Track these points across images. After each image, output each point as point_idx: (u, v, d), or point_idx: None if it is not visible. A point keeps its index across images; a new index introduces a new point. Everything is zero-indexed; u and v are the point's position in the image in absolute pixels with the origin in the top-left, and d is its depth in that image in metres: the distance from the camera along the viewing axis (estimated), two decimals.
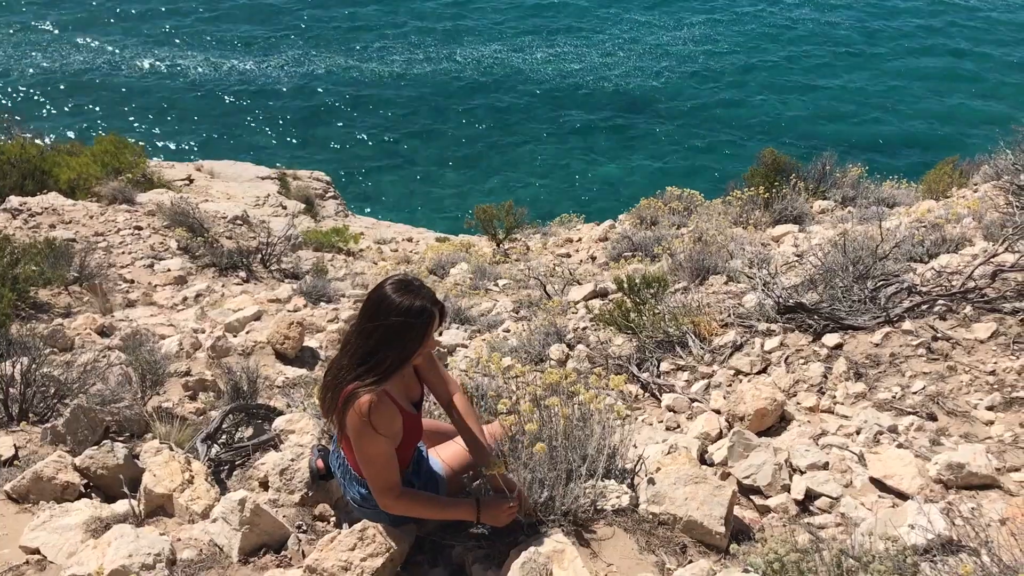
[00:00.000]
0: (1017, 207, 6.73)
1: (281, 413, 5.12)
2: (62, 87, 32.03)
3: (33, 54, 34.09)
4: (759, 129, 30.57)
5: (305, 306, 9.50)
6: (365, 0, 40.38)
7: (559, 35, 37.77)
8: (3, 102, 28.98)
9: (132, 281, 10.49)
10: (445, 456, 3.56)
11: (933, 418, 4.31)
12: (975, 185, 10.82)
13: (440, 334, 3.46)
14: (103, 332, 7.83)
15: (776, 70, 35.14)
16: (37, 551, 3.53)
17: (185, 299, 9.88)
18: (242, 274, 11.43)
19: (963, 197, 9.76)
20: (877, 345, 5.09)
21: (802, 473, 3.91)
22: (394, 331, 3.14)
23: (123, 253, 11.49)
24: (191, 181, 18.59)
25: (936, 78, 34.19)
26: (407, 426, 3.26)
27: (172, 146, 28.41)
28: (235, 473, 4.37)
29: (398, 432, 3.22)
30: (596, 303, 7.97)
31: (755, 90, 33.71)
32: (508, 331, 7.83)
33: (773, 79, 34.51)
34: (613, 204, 22.98)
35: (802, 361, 5.21)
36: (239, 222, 14.26)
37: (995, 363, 4.63)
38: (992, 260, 5.67)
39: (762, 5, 41.11)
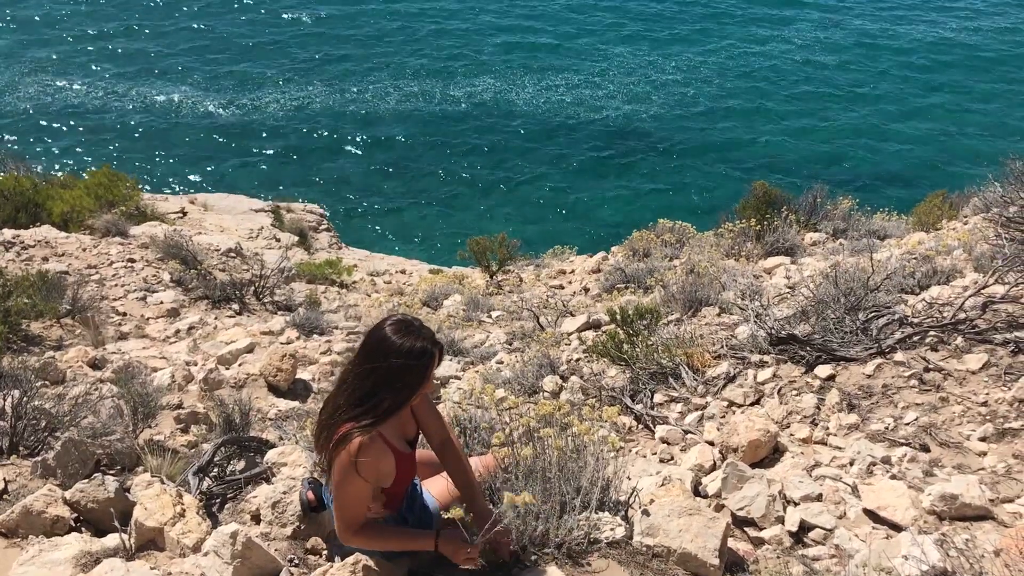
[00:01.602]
0: (1007, 239, 6.78)
1: (273, 446, 5.10)
2: (55, 121, 32.12)
3: (26, 88, 34.21)
4: (750, 162, 30.77)
5: (298, 338, 9.49)
6: (358, 36, 40.71)
7: (550, 71, 38.05)
8: None
9: (125, 314, 10.47)
10: (437, 491, 3.55)
11: (926, 449, 4.32)
12: (965, 217, 10.92)
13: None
14: (95, 365, 7.80)
15: (766, 105, 35.44)
16: None
17: (178, 331, 9.85)
18: (235, 306, 11.41)
19: (953, 229, 9.85)
20: (869, 376, 5.11)
21: (796, 505, 3.90)
22: (394, 373, 3.14)
23: (116, 286, 11.47)
24: (185, 214, 18.61)
25: (928, 113, 34.51)
26: (400, 466, 3.26)
27: (166, 179, 28.46)
28: (227, 506, 4.34)
29: (388, 473, 3.22)
30: (589, 335, 7.98)
31: (746, 124, 33.97)
32: (501, 363, 7.83)
33: (763, 113, 34.79)
34: (605, 236, 23.05)
35: (795, 392, 5.22)
36: (232, 254, 14.27)
37: (987, 394, 4.64)
38: (983, 291, 5.71)
39: (751, 41, 41.56)
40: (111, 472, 4.92)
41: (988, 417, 4.46)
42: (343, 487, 3.12)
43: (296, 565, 3.57)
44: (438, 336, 3.66)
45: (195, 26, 40.47)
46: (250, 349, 8.63)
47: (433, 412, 3.56)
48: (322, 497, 3.70)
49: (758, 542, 3.74)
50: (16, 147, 27.89)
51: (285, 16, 42.07)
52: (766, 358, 5.74)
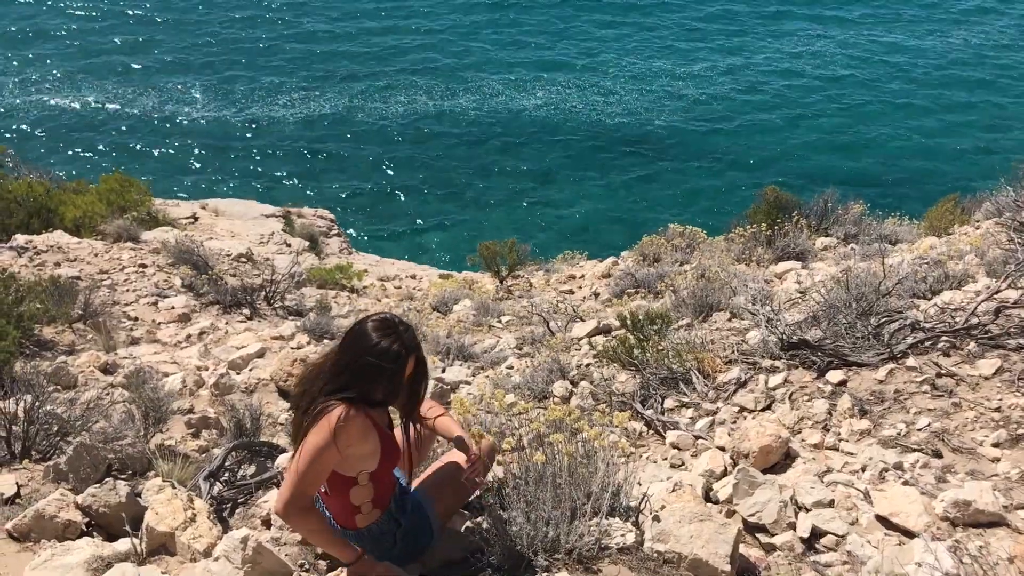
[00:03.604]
0: (1019, 243, 6.75)
1: (284, 451, 5.11)
2: (68, 128, 32.30)
3: (38, 95, 34.41)
4: (761, 167, 30.72)
5: (309, 343, 9.50)
6: (368, 46, 40.82)
7: (560, 74, 38.08)
8: (10, 141, 29.17)
9: (136, 319, 10.51)
10: (442, 508, 3.54)
11: (939, 455, 4.29)
12: (977, 222, 10.86)
13: (425, 390, 3.46)
14: (106, 370, 7.83)
15: (777, 111, 35.37)
16: None
17: (189, 336, 9.88)
18: (246, 311, 11.44)
19: (965, 234, 9.79)
20: (881, 382, 5.08)
21: (808, 511, 3.88)
22: (365, 370, 3.12)
23: (127, 291, 11.52)
24: (196, 219, 18.69)
25: (940, 119, 34.39)
26: (384, 445, 3.23)
27: (177, 185, 28.56)
28: (237, 511, 4.35)
29: (372, 452, 3.18)
30: (599, 339, 7.97)
31: (757, 129, 33.93)
32: (511, 368, 7.82)
33: (774, 120, 34.72)
34: (615, 240, 23.01)
35: (806, 398, 5.19)
36: (243, 260, 14.31)
37: (1000, 400, 4.62)
38: (995, 296, 5.68)
39: (761, 50, 41.50)
40: (122, 477, 4.93)
41: (1001, 423, 4.43)
42: (311, 454, 3.04)
43: (307, 570, 3.57)
44: (423, 342, 3.62)
45: (208, 35, 40.63)
46: (261, 354, 8.65)
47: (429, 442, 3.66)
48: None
49: (770, 548, 3.72)
50: (29, 154, 28.07)
51: (296, 27, 42.19)
52: (777, 363, 5.72)
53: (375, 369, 3.11)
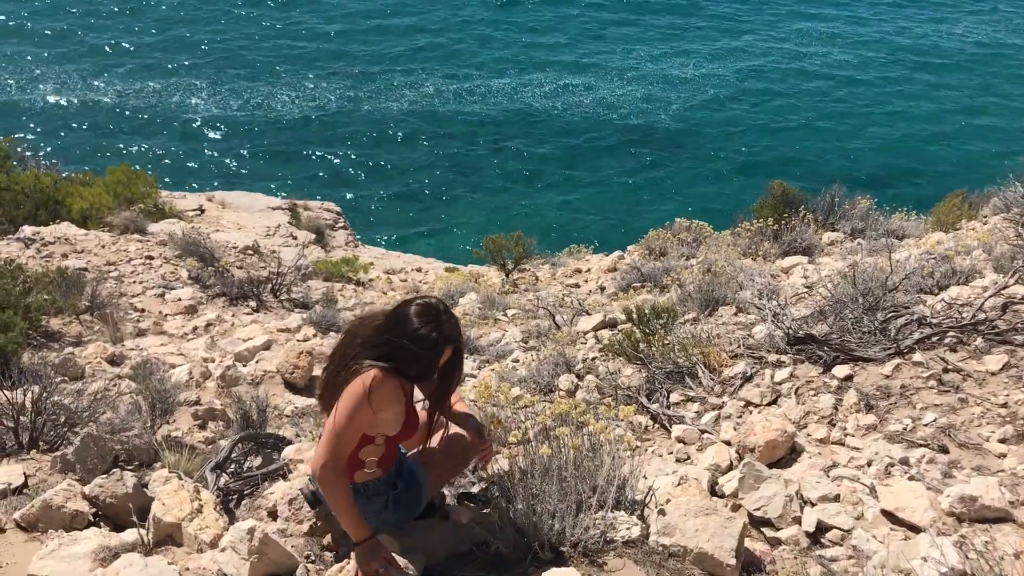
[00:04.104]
0: None
1: (290, 442, 5.12)
2: (75, 120, 32.35)
3: (46, 88, 34.45)
4: (768, 162, 30.64)
5: (315, 335, 9.52)
6: (375, 35, 40.81)
7: (567, 73, 38.02)
8: (16, 133, 29.24)
9: (143, 310, 10.53)
10: (433, 480, 3.53)
11: (945, 450, 4.29)
12: (984, 217, 10.83)
13: (457, 383, 3.46)
14: (113, 361, 7.86)
15: (784, 106, 35.30)
16: None
17: (195, 328, 9.91)
18: (252, 304, 11.46)
19: (973, 229, 9.77)
20: (888, 377, 5.08)
21: (813, 505, 3.88)
22: (402, 352, 3.15)
23: (134, 283, 11.55)
24: (202, 211, 18.71)
25: (947, 113, 34.29)
26: (408, 416, 3.26)
27: (184, 177, 28.57)
28: (244, 502, 4.36)
29: (397, 417, 3.21)
30: (605, 333, 7.97)
31: (764, 125, 33.86)
32: (517, 361, 7.82)
33: (781, 115, 34.65)
34: (621, 235, 22.99)
35: (812, 392, 5.19)
36: (249, 252, 14.33)
37: (1007, 395, 4.61)
38: (1002, 292, 5.67)
39: (768, 40, 41.39)
40: (129, 468, 4.95)
41: (1008, 419, 4.42)
42: (348, 413, 3.09)
43: (313, 561, 3.58)
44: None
45: (213, 28, 40.63)
46: (267, 346, 8.67)
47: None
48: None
49: (775, 542, 3.73)
50: (37, 146, 28.13)
51: (302, 20, 42.16)
52: (783, 358, 5.71)
53: (411, 353, 3.14)
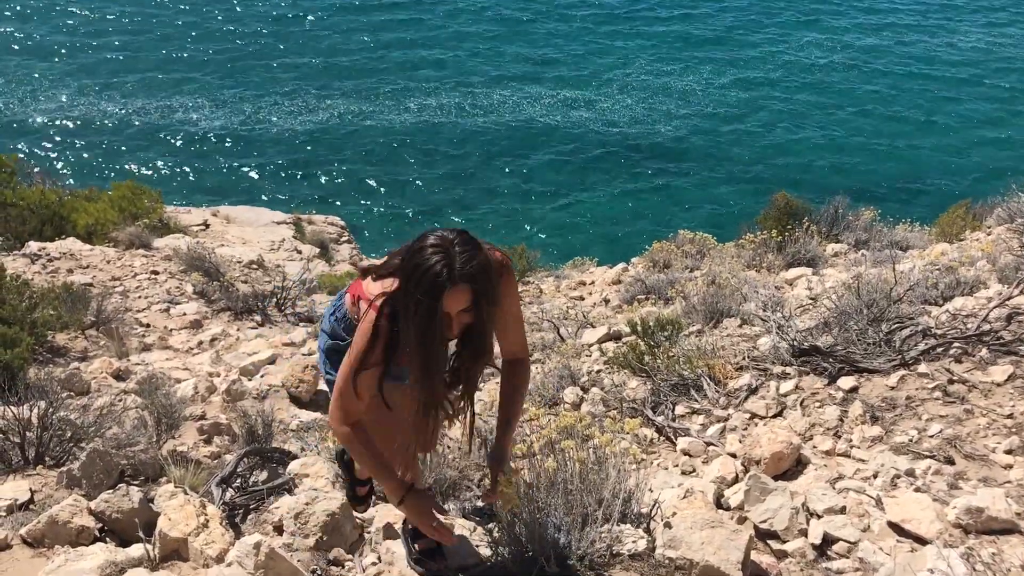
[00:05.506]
0: None
1: (296, 457, 5.13)
2: (79, 136, 32.48)
3: (49, 104, 34.60)
4: (770, 174, 30.65)
5: None
6: (377, 48, 40.99)
7: (569, 85, 38.13)
8: (21, 149, 29.36)
9: (148, 325, 10.55)
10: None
11: (951, 462, 4.28)
12: (988, 228, 10.82)
13: (483, 358, 3.05)
14: (119, 376, 7.87)
15: (786, 119, 35.35)
16: None
17: (200, 343, 9.92)
18: (257, 318, 11.48)
19: (977, 240, 9.76)
20: (893, 388, 5.07)
21: (819, 517, 3.87)
22: (401, 291, 2.72)
23: (139, 297, 11.58)
24: (207, 226, 18.77)
25: (951, 124, 34.31)
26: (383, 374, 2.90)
27: (189, 192, 28.66)
28: (250, 517, 4.36)
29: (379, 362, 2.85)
30: (610, 346, 7.96)
31: (767, 135, 33.92)
32: None
33: (783, 126, 34.70)
34: (625, 247, 23.01)
35: (818, 404, 5.18)
36: (254, 266, 14.36)
37: (1012, 406, 4.60)
38: (1007, 303, 5.66)
39: (772, 53, 41.49)
40: (135, 483, 4.96)
41: (1014, 429, 4.41)
42: (363, 346, 2.78)
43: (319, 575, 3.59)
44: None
45: (216, 45, 40.82)
46: (272, 360, 8.68)
47: (517, 326, 3.29)
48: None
49: (781, 555, 3.72)
50: (42, 161, 28.25)
51: (304, 36, 42.36)
52: (788, 370, 5.71)
53: (405, 294, 2.64)
